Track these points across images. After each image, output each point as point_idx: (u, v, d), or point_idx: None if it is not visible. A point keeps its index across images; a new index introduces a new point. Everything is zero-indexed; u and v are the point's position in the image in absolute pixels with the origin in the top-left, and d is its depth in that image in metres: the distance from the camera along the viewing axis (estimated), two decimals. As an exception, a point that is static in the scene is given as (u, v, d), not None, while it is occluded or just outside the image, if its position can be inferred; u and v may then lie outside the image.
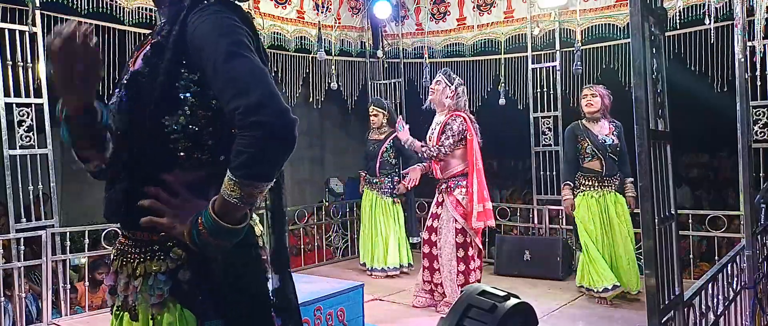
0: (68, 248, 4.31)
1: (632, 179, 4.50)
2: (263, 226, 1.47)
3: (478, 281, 4.20)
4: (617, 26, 5.43)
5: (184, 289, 1.31)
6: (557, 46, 5.75)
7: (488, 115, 5.60)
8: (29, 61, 4.20)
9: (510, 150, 9.73)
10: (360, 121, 7.73)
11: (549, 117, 5.86)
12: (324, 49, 5.94)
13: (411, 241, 5.69)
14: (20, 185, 4.10)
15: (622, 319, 4.10)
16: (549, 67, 5.83)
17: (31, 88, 4.21)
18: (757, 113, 4.44)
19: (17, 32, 4.16)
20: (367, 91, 6.75)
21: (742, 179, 2.93)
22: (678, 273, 1.86)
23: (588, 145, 4.47)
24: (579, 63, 5.44)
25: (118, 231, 1.66)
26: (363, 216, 5.70)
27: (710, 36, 4.74)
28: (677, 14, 4.93)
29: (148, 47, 1.39)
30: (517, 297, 2.01)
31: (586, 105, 4.52)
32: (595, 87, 4.59)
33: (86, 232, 4.47)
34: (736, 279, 2.66)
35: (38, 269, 4.29)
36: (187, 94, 1.31)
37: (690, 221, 5.35)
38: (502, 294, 1.98)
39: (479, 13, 6.23)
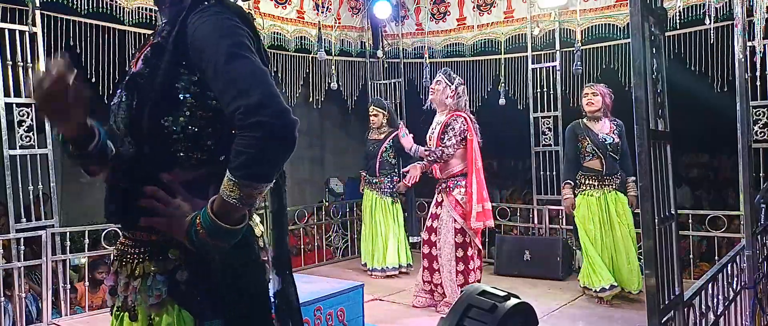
0: (68, 248, 4.32)
1: (634, 178, 4.49)
2: (264, 227, 1.47)
3: (478, 281, 4.20)
4: (617, 26, 5.43)
5: (182, 290, 1.31)
6: (557, 46, 5.76)
7: (488, 115, 5.60)
8: (29, 61, 4.20)
9: (510, 150, 9.73)
10: (360, 121, 7.73)
11: (549, 117, 5.86)
12: (324, 49, 5.94)
13: (411, 241, 5.70)
14: (20, 185, 4.10)
15: (622, 319, 4.10)
16: (549, 67, 5.83)
17: (31, 88, 4.20)
18: (757, 113, 4.44)
19: (17, 32, 4.16)
20: (367, 91, 6.75)
21: (742, 179, 2.93)
22: (678, 273, 1.86)
23: (588, 143, 4.46)
24: (579, 63, 5.44)
25: (119, 231, 1.66)
26: (364, 216, 5.71)
27: (710, 36, 4.74)
28: (677, 14, 4.93)
29: (149, 48, 1.39)
30: (517, 297, 2.01)
31: (586, 104, 4.52)
32: (596, 86, 4.58)
33: (86, 232, 4.47)
34: (736, 279, 2.66)
35: (38, 269, 4.29)
36: (187, 95, 1.31)
37: (690, 221, 5.36)
38: (502, 294, 1.98)
39: (479, 13, 6.23)
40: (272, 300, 1.42)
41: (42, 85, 1.26)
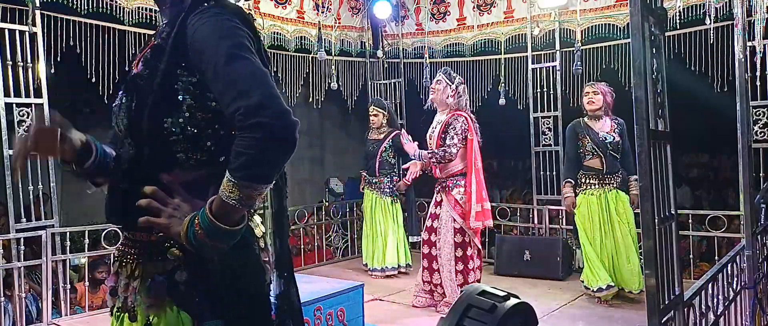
0: (68, 248, 4.32)
1: (637, 177, 4.48)
2: (265, 227, 1.47)
3: (478, 281, 4.20)
4: (617, 26, 5.43)
5: (181, 290, 1.31)
6: (557, 46, 5.76)
7: (488, 115, 5.60)
8: (29, 61, 4.20)
9: (510, 150, 9.74)
10: (360, 121, 7.73)
11: (549, 117, 5.86)
12: (324, 49, 5.94)
13: (411, 241, 5.70)
14: (20, 185, 4.10)
15: (622, 319, 4.10)
16: (549, 67, 5.83)
17: (31, 88, 4.21)
18: (757, 113, 4.44)
19: (17, 32, 4.16)
20: (367, 91, 6.75)
21: (742, 179, 2.93)
22: (678, 273, 1.86)
23: (588, 142, 4.46)
24: (579, 63, 5.44)
25: (119, 231, 1.67)
26: (365, 216, 5.71)
27: (710, 36, 4.74)
28: (677, 14, 4.93)
29: (149, 50, 1.39)
30: (517, 297, 2.01)
31: (587, 102, 4.51)
32: (597, 84, 4.57)
33: (86, 232, 4.47)
34: (736, 279, 2.66)
35: (38, 269, 4.29)
36: (186, 97, 1.31)
37: (690, 221, 5.36)
38: (502, 294, 1.98)
39: (479, 13, 6.23)
40: (274, 300, 1.42)
41: (19, 151, 1.32)
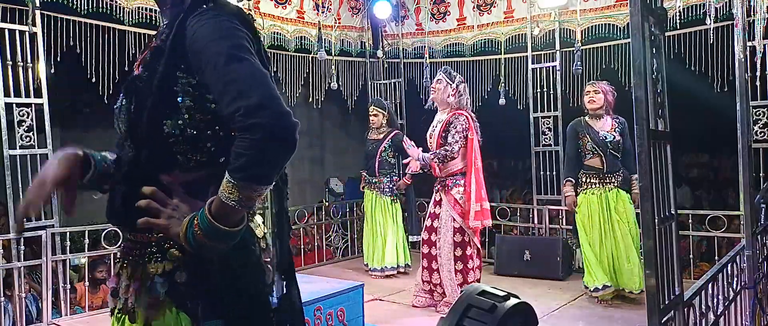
0: (68, 248, 4.32)
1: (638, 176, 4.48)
2: (266, 228, 1.46)
3: (478, 280, 4.20)
4: (617, 26, 5.43)
5: (181, 291, 1.30)
6: (557, 46, 5.76)
7: (488, 115, 5.59)
8: (29, 61, 4.20)
9: (510, 150, 9.74)
10: (360, 121, 7.73)
11: (549, 117, 5.86)
12: (324, 49, 5.93)
13: (411, 240, 5.70)
14: (20, 185, 4.10)
15: (622, 319, 4.10)
16: (549, 67, 5.83)
17: (31, 88, 4.21)
18: (757, 113, 4.45)
19: (17, 32, 4.16)
20: (367, 91, 6.75)
21: (742, 179, 2.93)
22: (678, 273, 1.86)
23: (588, 141, 4.45)
24: (579, 63, 5.44)
25: (119, 232, 1.67)
26: (365, 216, 5.71)
27: (710, 36, 4.74)
28: (677, 14, 4.93)
29: (149, 51, 1.39)
30: (517, 297, 2.01)
31: (588, 101, 4.51)
32: (598, 83, 4.57)
33: (86, 232, 4.47)
34: (736, 279, 2.66)
35: (38, 269, 4.29)
36: (186, 98, 1.31)
37: (690, 221, 5.36)
38: (501, 294, 1.98)
39: (479, 13, 6.23)
40: (275, 301, 1.41)
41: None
